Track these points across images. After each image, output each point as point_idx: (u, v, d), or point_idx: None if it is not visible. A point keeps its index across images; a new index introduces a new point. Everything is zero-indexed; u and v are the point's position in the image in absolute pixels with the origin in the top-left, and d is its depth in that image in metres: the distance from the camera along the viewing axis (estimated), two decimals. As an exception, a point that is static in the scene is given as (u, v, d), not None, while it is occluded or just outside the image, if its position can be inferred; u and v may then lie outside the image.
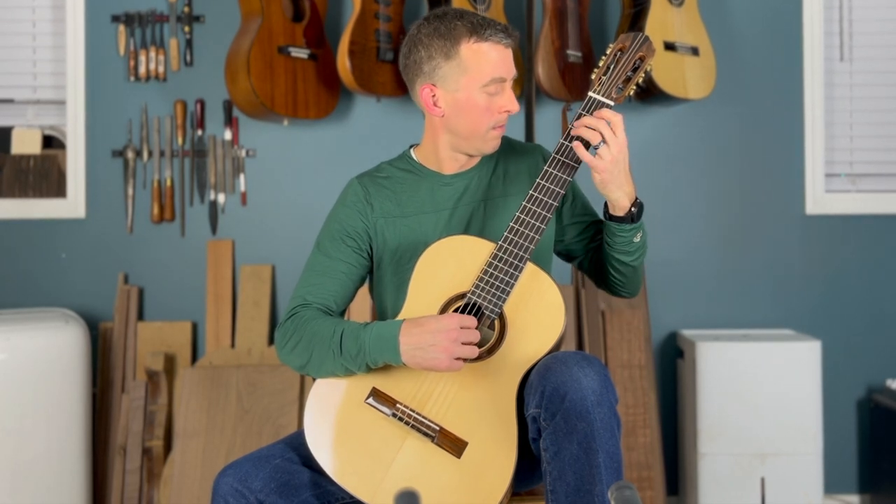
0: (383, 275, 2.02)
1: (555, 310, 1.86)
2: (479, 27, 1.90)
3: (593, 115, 1.85)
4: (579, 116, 1.88)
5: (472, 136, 1.96)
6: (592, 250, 2.10)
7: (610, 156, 1.83)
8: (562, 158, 1.87)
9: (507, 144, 2.09)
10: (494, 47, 1.91)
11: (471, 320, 1.81)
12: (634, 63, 1.89)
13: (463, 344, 1.79)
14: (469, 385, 1.83)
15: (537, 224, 1.85)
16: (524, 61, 3.38)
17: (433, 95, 1.95)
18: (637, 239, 1.97)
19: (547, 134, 3.48)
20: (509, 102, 1.94)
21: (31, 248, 3.53)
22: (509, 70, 1.93)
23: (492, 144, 1.98)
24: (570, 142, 1.87)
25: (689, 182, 3.58)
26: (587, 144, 1.86)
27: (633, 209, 1.92)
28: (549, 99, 3.39)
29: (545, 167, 1.88)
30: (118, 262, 3.53)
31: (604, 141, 1.83)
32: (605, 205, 1.94)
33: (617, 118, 1.84)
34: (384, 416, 1.85)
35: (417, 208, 2.01)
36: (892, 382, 3.41)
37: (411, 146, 2.10)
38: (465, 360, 1.81)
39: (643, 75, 1.90)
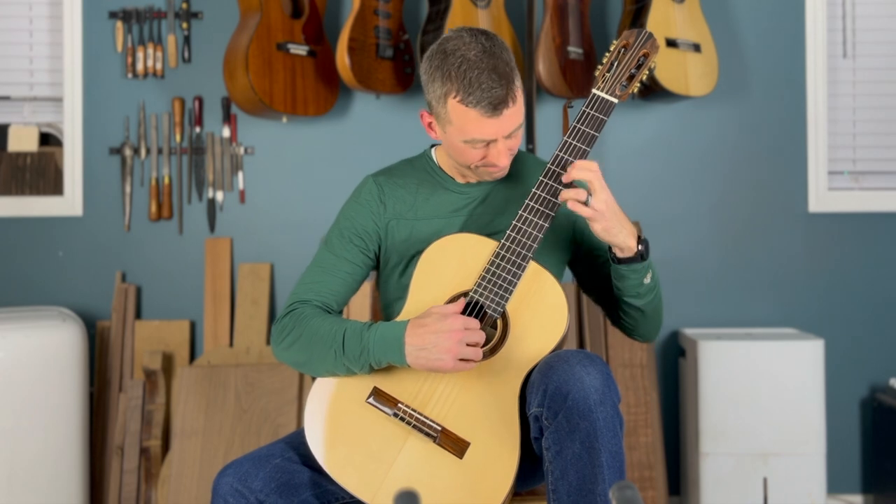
0: (390, 274, 2.01)
1: (558, 309, 1.84)
2: (469, 87, 1.79)
3: (574, 165, 1.80)
4: (581, 115, 1.86)
5: (466, 168, 1.94)
6: (602, 287, 2.03)
7: (603, 202, 1.79)
8: (566, 156, 1.85)
9: (539, 163, 2.05)
10: (480, 114, 1.81)
11: (474, 322, 1.79)
12: (638, 60, 1.87)
13: (467, 345, 1.77)
14: (471, 385, 1.82)
15: (540, 223, 1.83)
16: (524, 57, 3.36)
17: (430, 123, 1.93)
18: (647, 280, 1.90)
19: (547, 131, 3.46)
20: (496, 158, 1.87)
21: (27, 246, 3.51)
22: (497, 133, 1.83)
23: (491, 177, 1.94)
24: (556, 198, 1.83)
25: (690, 180, 3.56)
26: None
27: (640, 247, 1.86)
28: (549, 96, 3.37)
29: (548, 164, 1.86)
30: (115, 260, 3.50)
31: (590, 192, 1.79)
32: (611, 250, 1.88)
33: (593, 164, 1.81)
34: (385, 415, 1.83)
35: (431, 212, 1.98)
36: (896, 381, 3.40)
37: (432, 146, 2.07)
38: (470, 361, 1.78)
39: (647, 72, 1.88)
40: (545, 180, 1.85)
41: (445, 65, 1.82)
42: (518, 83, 1.84)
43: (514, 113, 1.83)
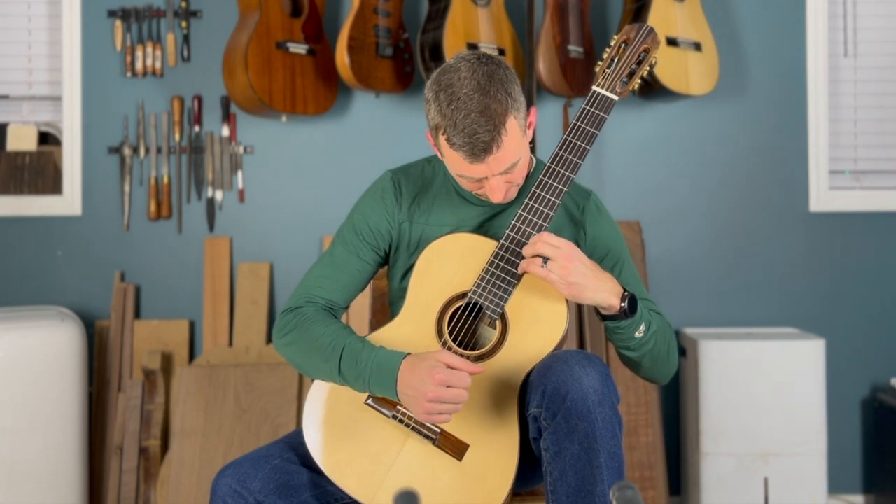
0: (394, 276, 2.00)
1: (557, 310, 1.83)
2: (454, 129, 1.75)
3: (532, 241, 1.77)
4: (581, 113, 1.85)
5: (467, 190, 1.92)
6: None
7: (560, 268, 1.74)
8: (565, 154, 1.83)
9: None
10: (463, 158, 1.77)
11: (460, 378, 1.73)
12: (639, 55, 1.85)
13: (444, 403, 1.74)
14: (471, 387, 1.80)
15: (540, 222, 1.82)
16: (524, 56, 3.35)
17: (434, 144, 1.88)
18: (639, 334, 1.85)
19: (548, 131, 3.45)
20: (490, 193, 1.83)
21: (26, 246, 3.50)
22: (485, 173, 1.79)
23: (492, 200, 1.87)
24: (557, 198, 1.81)
25: (691, 179, 3.55)
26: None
27: (623, 304, 1.80)
28: (550, 95, 3.36)
29: (548, 163, 1.84)
30: (114, 259, 3.50)
31: (544, 260, 1.75)
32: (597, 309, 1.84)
33: (545, 235, 1.76)
34: (384, 417, 1.82)
35: (444, 219, 1.96)
36: (897, 381, 3.40)
37: None
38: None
39: (648, 69, 1.86)
40: (546, 179, 1.83)
41: (438, 99, 1.78)
42: (514, 120, 1.77)
43: (502, 156, 1.77)
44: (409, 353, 1.79)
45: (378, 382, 1.78)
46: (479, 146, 1.75)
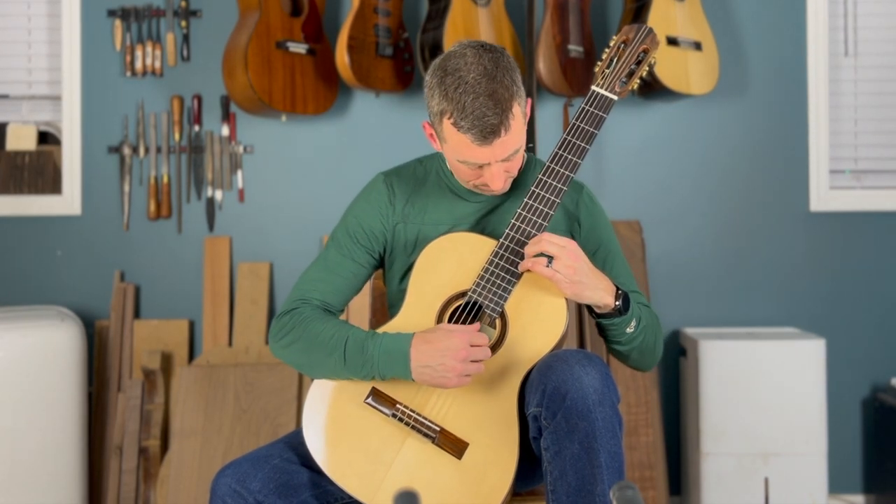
0: (392, 278, 2.00)
1: (557, 309, 1.83)
2: (462, 112, 1.76)
3: (534, 240, 1.79)
4: (580, 113, 1.85)
5: (464, 183, 1.92)
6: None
7: (565, 268, 1.76)
8: (564, 153, 1.84)
9: None
10: (471, 141, 1.78)
11: (481, 338, 1.78)
12: (638, 56, 1.86)
13: (472, 361, 1.76)
14: (470, 385, 1.80)
15: (539, 221, 1.82)
16: (525, 56, 3.35)
17: (431, 134, 1.90)
18: (630, 330, 1.87)
19: (548, 130, 3.45)
20: (490, 180, 1.84)
21: (26, 246, 3.50)
22: (489, 158, 1.80)
23: (490, 193, 1.90)
24: (556, 197, 1.82)
25: (691, 178, 3.55)
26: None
27: (617, 303, 1.82)
28: (550, 94, 3.36)
29: (547, 162, 1.84)
30: (114, 259, 3.50)
31: (550, 258, 1.76)
32: (589, 307, 1.86)
33: (548, 234, 1.78)
34: (384, 416, 1.82)
35: (439, 218, 1.96)
36: (897, 381, 3.39)
37: None
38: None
39: (647, 69, 1.86)
40: (545, 179, 1.83)
41: (443, 84, 1.79)
42: (518, 107, 1.79)
43: (508, 140, 1.79)
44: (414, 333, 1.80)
45: (388, 364, 1.79)
46: (488, 128, 1.76)
